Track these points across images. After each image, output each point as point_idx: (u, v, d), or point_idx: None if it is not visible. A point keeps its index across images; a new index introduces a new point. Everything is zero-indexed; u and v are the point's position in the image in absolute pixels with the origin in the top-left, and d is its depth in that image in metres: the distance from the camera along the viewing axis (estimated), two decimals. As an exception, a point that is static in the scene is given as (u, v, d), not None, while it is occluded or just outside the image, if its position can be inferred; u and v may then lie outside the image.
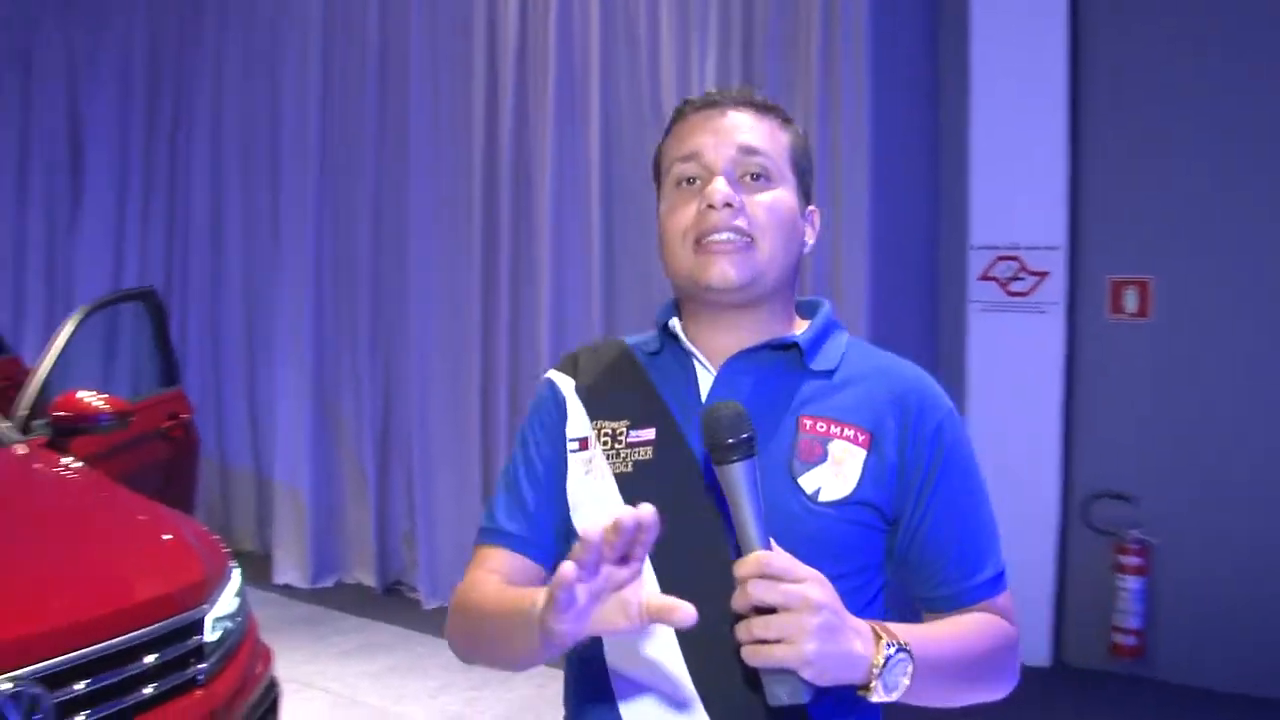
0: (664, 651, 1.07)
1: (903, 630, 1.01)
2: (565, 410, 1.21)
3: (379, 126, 5.27)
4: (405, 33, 5.13)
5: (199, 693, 2.35)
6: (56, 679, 2.07)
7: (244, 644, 2.61)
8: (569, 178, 4.57)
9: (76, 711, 2.09)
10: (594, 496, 1.15)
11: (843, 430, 1.10)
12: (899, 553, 1.14)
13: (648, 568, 0.99)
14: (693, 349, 1.17)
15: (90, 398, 3.32)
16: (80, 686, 2.11)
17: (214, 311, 6.15)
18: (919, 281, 4.28)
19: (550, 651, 0.99)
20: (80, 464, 3.10)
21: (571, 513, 1.18)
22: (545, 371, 1.28)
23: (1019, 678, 1.17)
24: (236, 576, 2.69)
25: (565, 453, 1.19)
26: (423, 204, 5.06)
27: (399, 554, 5.37)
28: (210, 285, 6.16)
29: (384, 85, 5.26)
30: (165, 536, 2.67)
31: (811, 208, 1.22)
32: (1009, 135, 4.11)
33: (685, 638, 1.05)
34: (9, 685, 1.99)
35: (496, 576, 1.17)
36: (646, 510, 0.89)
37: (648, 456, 1.13)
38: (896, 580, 1.19)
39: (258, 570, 5.33)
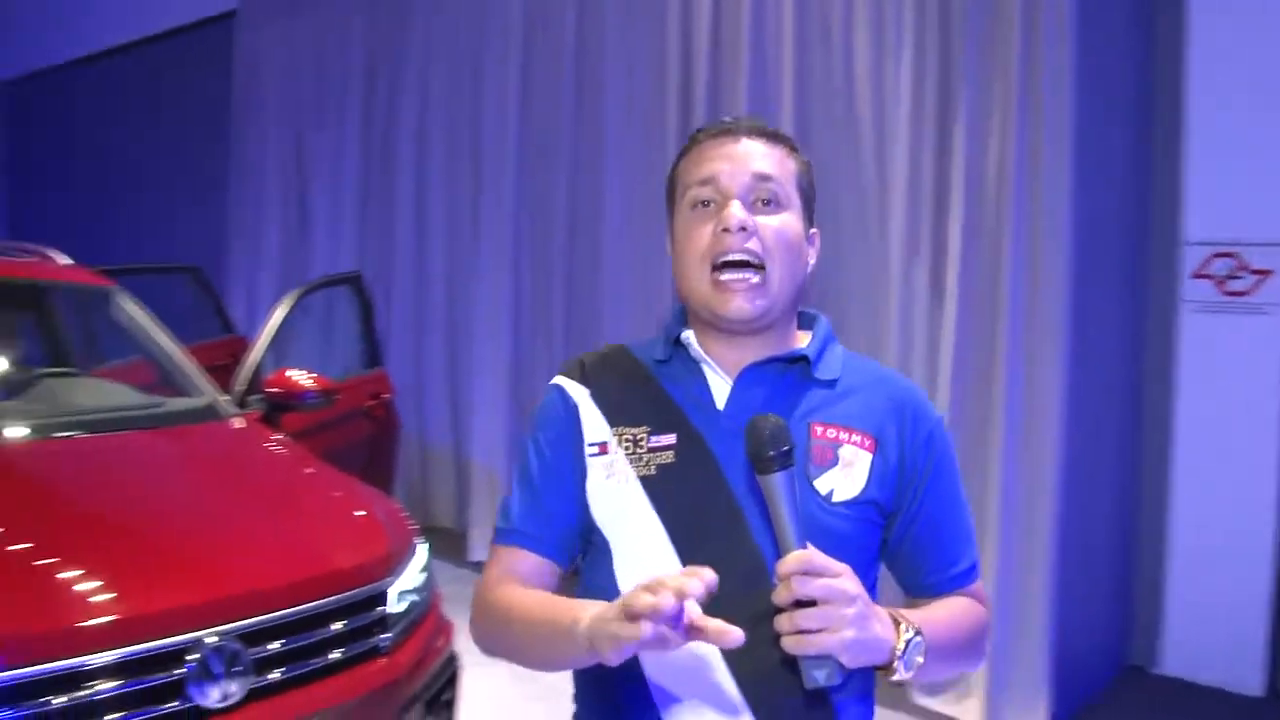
0: (702, 647, 1.11)
1: (913, 615, 1.15)
2: (578, 416, 1.28)
3: (574, 125, 5.39)
4: (600, 33, 5.22)
5: (382, 661, 2.48)
6: (255, 637, 2.23)
7: (427, 617, 2.73)
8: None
9: (271, 669, 2.24)
10: (618, 497, 1.22)
11: (850, 436, 1.21)
12: (892, 544, 1.26)
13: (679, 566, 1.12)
14: (706, 358, 1.25)
15: (299, 376, 3.54)
16: (275, 646, 2.26)
17: (417, 300, 6.45)
18: (1125, 279, 4.04)
19: (592, 661, 1.05)
20: (288, 438, 3.31)
21: (593, 513, 1.24)
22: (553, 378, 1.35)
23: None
24: (423, 553, 2.81)
25: (582, 456, 1.26)
26: (616, 202, 5.14)
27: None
28: (414, 275, 6.46)
29: (580, 85, 5.37)
30: (358, 512, 2.82)
31: (813, 230, 1.31)
32: (1229, 122, 3.84)
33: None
34: (215, 639, 2.15)
35: (517, 578, 1.25)
36: (709, 576, 0.96)
37: (670, 460, 1.21)
38: (887, 568, 1.31)
39: (454, 548, 5.56)
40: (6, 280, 3.69)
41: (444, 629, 2.82)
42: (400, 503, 3.32)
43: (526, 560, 1.26)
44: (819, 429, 1.21)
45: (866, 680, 1.20)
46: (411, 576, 2.68)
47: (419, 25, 6.35)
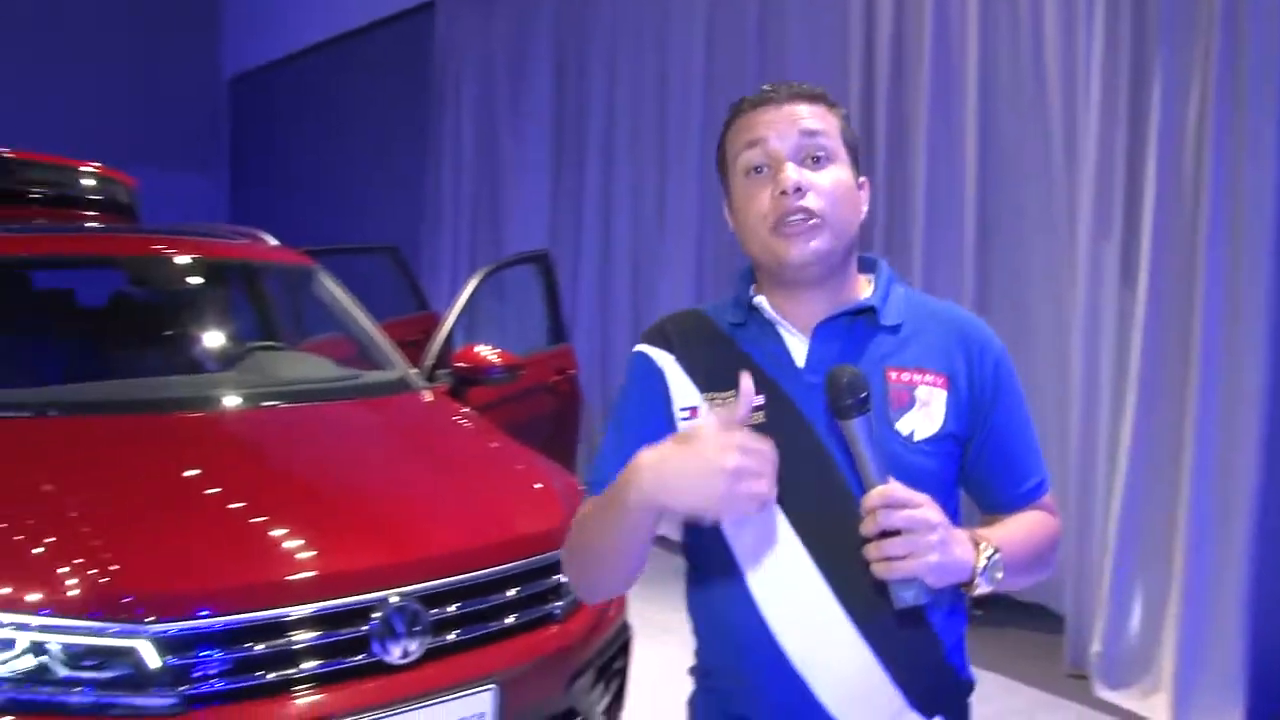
0: (805, 574, 1.26)
1: (991, 534, 1.26)
2: (665, 381, 1.37)
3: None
4: (783, 13, 5.21)
5: (555, 628, 2.58)
6: (434, 599, 2.36)
7: (600, 587, 2.81)
8: (943, 159, 4.44)
9: (448, 630, 2.37)
10: None
11: (924, 376, 1.31)
12: (967, 469, 1.36)
13: (782, 525, 1.25)
14: (779, 320, 1.34)
15: (485, 351, 3.68)
16: (453, 609, 2.39)
17: (603, 279, 6.61)
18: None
19: (646, 519, 1.18)
20: (474, 411, 3.46)
21: None
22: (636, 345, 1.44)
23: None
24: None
25: (670, 418, 1.35)
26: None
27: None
28: (600, 255, 6.62)
29: (763, 65, 5.37)
30: (536, 485, 2.92)
31: (862, 179, 1.38)
32: None
33: (822, 560, 1.26)
34: (397, 599, 2.29)
35: None
36: (746, 399, 1.14)
37: (761, 420, 1.27)
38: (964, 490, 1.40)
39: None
40: (222, 260, 3.98)
41: (616, 600, 2.89)
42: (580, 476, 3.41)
43: None
44: (894, 374, 1.30)
45: (956, 591, 1.27)
46: (585, 547, 2.76)
47: (605, 10, 6.46)
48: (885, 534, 1.15)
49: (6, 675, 1.99)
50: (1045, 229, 4.08)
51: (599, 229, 6.61)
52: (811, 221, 1.27)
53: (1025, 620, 4.36)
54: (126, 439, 2.79)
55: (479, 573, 2.45)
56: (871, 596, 1.21)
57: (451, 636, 2.37)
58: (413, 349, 4.02)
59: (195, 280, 3.92)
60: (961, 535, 1.21)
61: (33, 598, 2.06)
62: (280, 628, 2.17)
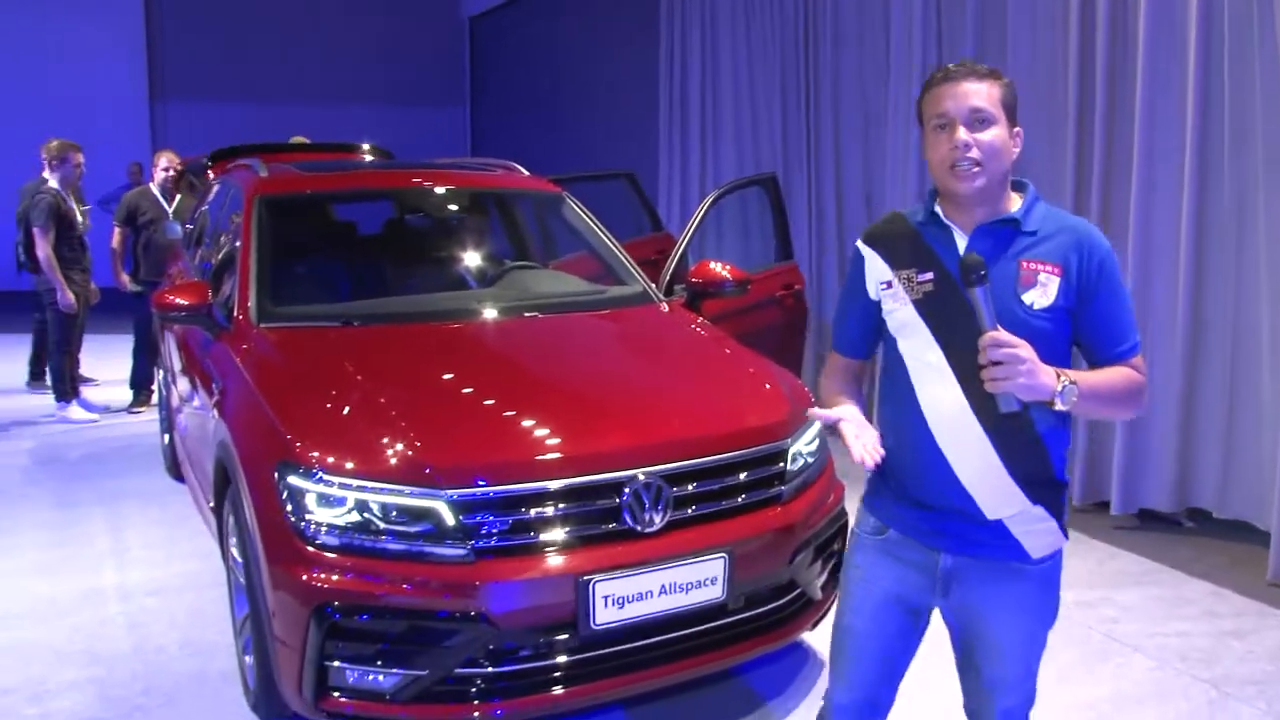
0: (954, 391, 1.88)
1: (1073, 373, 1.79)
2: (865, 266, 2.02)
3: (978, 25, 5.42)
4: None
5: (779, 509, 2.88)
6: (676, 478, 2.71)
7: (820, 477, 3.10)
8: (1162, 71, 4.36)
9: (687, 505, 2.72)
10: (901, 313, 1.94)
11: (1045, 266, 1.86)
12: (1076, 332, 1.89)
13: (940, 357, 1.88)
14: (951, 224, 1.93)
15: (718, 267, 4.00)
16: (691, 487, 2.73)
17: (840, 200, 6.84)
18: None
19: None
20: (707, 322, 3.79)
21: (888, 325, 1.98)
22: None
23: (1145, 409, 2.03)
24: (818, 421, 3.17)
25: (871, 293, 2.01)
26: (1027, 104, 5.12)
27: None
28: (835, 177, 6.84)
29: (983, 11, 5.41)
30: (765, 385, 3.23)
31: (1017, 129, 1.89)
32: None
33: (965, 381, 1.85)
34: (644, 477, 2.66)
35: (838, 368, 2.11)
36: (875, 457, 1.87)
37: (930, 289, 1.91)
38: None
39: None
40: (483, 190, 4.45)
41: (836, 489, 3.16)
42: (805, 384, 3.69)
43: (840, 358, 2.12)
44: (1025, 264, 1.86)
45: (1059, 416, 1.86)
46: (807, 441, 3.05)
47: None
48: (995, 363, 1.72)
49: (341, 524, 2.50)
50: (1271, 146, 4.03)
51: (831, 153, 6.81)
52: (975, 169, 1.83)
53: (1228, 534, 4.44)
54: (415, 343, 3.29)
55: (714, 457, 2.79)
56: (993, 407, 1.77)
57: (690, 511, 2.72)
58: (649, 267, 4.38)
59: (462, 208, 4.41)
60: (1048, 369, 1.75)
61: (357, 465, 2.55)
62: (547, 497, 2.57)
